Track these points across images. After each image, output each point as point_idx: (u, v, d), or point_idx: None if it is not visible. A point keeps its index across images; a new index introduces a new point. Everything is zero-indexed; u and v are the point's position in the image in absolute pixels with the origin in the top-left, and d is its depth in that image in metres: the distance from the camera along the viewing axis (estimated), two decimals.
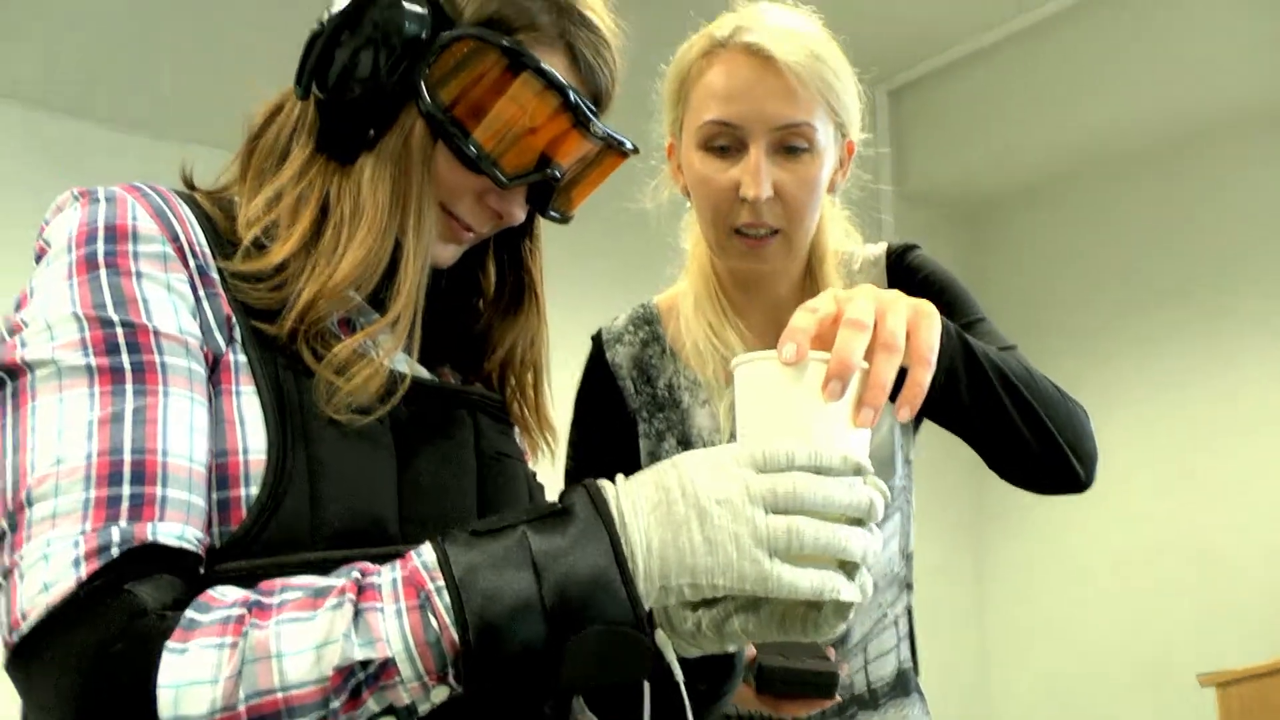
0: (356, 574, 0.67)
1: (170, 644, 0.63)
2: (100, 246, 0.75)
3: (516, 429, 0.98)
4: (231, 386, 0.77)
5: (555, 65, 0.86)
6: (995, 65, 4.34)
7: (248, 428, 0.76)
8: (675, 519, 0.67)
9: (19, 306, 0.75)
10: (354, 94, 0.84)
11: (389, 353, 0.82)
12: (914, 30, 4.19)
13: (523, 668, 0.65)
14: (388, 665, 0.64)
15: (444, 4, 0.85)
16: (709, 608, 0.78)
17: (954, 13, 4.09)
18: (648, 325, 1.44)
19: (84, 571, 0.65)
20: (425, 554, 0.67)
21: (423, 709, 0.66)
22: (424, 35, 0.83)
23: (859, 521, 0.70)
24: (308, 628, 0.64)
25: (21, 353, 0.72)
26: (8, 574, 0.67)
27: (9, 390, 0.72)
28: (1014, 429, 1.14)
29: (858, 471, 0.70)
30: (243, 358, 0.78)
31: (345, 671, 0.63)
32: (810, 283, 1.37)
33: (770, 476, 0.67)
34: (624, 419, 1.41)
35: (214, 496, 0.74)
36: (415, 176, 0.85)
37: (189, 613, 0.65)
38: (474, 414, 0.90)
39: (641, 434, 1.40)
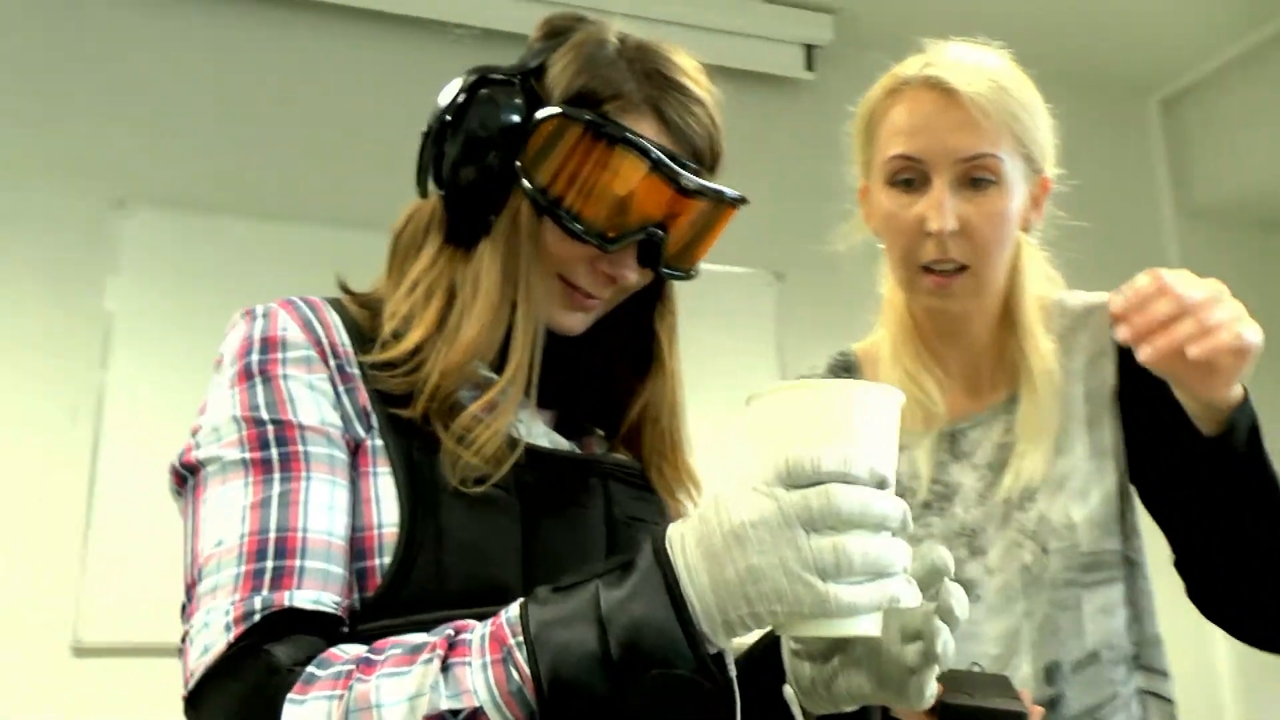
0: (450, 631, 0.73)
1: (292, 696, 0.71)
2: (255, 357, 0.87)
3: (659, 492, 1.01)
4: (369, 469, 0.86)
5: (644, 129, 0.91)
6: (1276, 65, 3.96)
7: (383, 505, 0.84)
8: (715, 550, 0.68)
9: (201, 413, 0.87)
10: (465, 185, 0.92)
11: (503, 413, 0.88)
12: (1182, 35, 3.89)
13: (595, 716, 0.68)
14: (477, 714, 0.69)
15: (536, 88, 0.93)
16: (817, 663, 0.82)
17: (1226, 12, 3.78)
18: (846, 372, 1.43)
19: (232, 635, 0.75)
20: (510, 611, 0.72)
21: None
22: (518, 122, 0.91)
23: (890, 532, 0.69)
24: (403, 681, 0.70)
25: (196, 453, 0.84)
26: (184, 639, 0.79)
27: (189, 485, 0.85)
28: (1254, 554, 1.10)
29: (882, 485, 0.69)
30: (379, 443, 0.86)
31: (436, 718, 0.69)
32: (1009, 327, 1.35)
33: (801, 491, 0.67)
34: None
35: (354, 566, 0.83)
36: (525, 251, 0.92)
37: (310, 668, 0.73)
38: (605, 481, 0.94)
39: None
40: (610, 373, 1.03)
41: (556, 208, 0.90)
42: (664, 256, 0.94)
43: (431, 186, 0.96)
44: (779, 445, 0.70)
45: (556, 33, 0.98)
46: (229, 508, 0.81)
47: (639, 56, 0.95)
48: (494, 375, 0.91)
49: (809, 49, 3.81)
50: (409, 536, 0.82)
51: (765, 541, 0.66)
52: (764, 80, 3.80)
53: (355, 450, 0.86)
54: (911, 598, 0.70)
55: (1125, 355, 1.27)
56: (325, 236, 3.03)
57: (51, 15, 3.23)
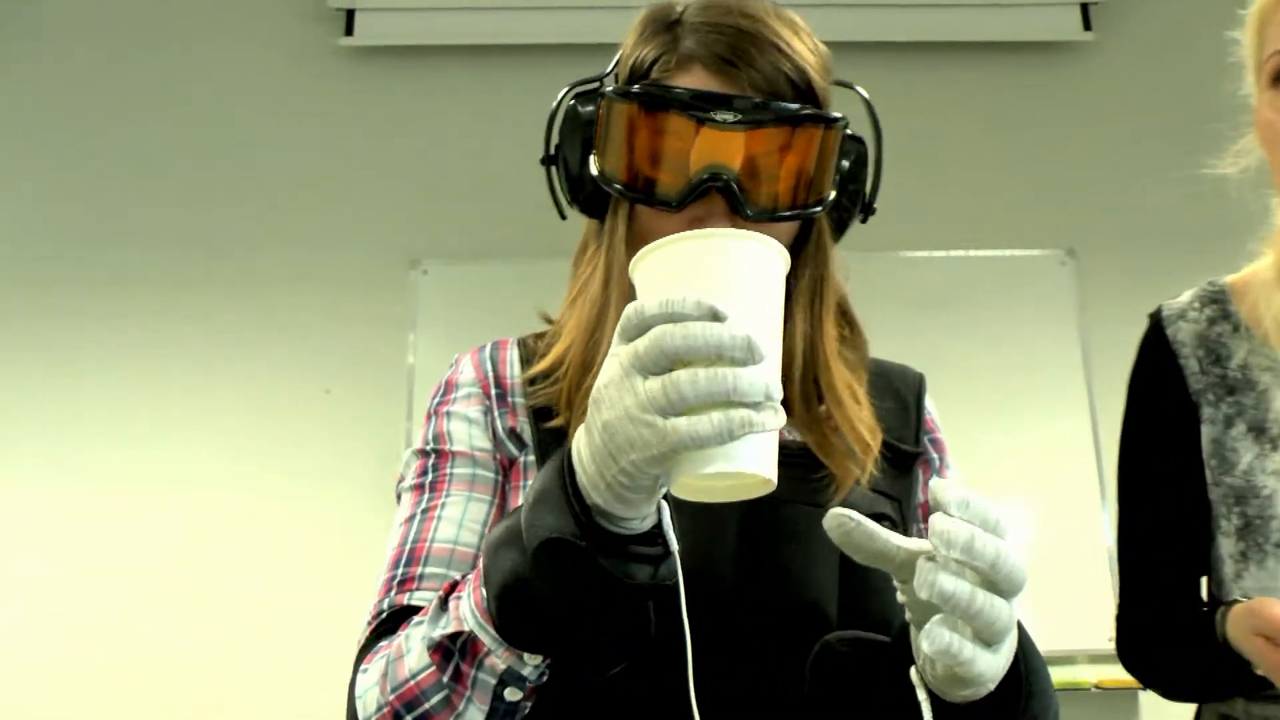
0: (459, 576, 0.81)
1: (363, 665, 0.84)
2: (436, 400, 1.01)
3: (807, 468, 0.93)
4: (520, 483, 0.94)
5: (690, 81, 0.90)
6: None
7: None
8: (588, 422, 0.68)
9: None
10: (581, 196, 0.98)
11: None
12: None
13: (521, 603, 0.71)
14: (473, 639, 0.74)
15: (605, 80, 0.97)
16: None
17: None
18: (1216, 303, 1.27)
19: (368, 630, 0.88)
20: None
21: (528, 674, 0.75)
22: (590, 119, 0.96)
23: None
24: (420, 627, 0.79)
25: (399, 483, 0.99)
26: None
27: None
28: None
29: (715, 317, 0.65)
30: (531, 458, 0.94)
31: (440, 649, 0.76)
32: None
33: (633, 340, 0.66)
34: (1184, 403, 1.23)
35: None
36: (619, 239, 0.95)
37: (381, 641, 0.84)
38: None
39: (1206, 419, 1.22)
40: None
41: (626, 186, 0.93)
42: (747, 199, 0.90)
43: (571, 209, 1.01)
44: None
45: (642, 26, 0.98)
46: (396, 524, 0.94)
47: (694, 16, 0.93)
48: None
49: (1085, 9, 3.54)
50: None
51: (612, 397, 0.66)
52: (1039, 49, 3.57)
53: (510, 466, 0.95)
54: (774, 420, 0.64)
55: None
56: None
57: (330, 94, 3.49)
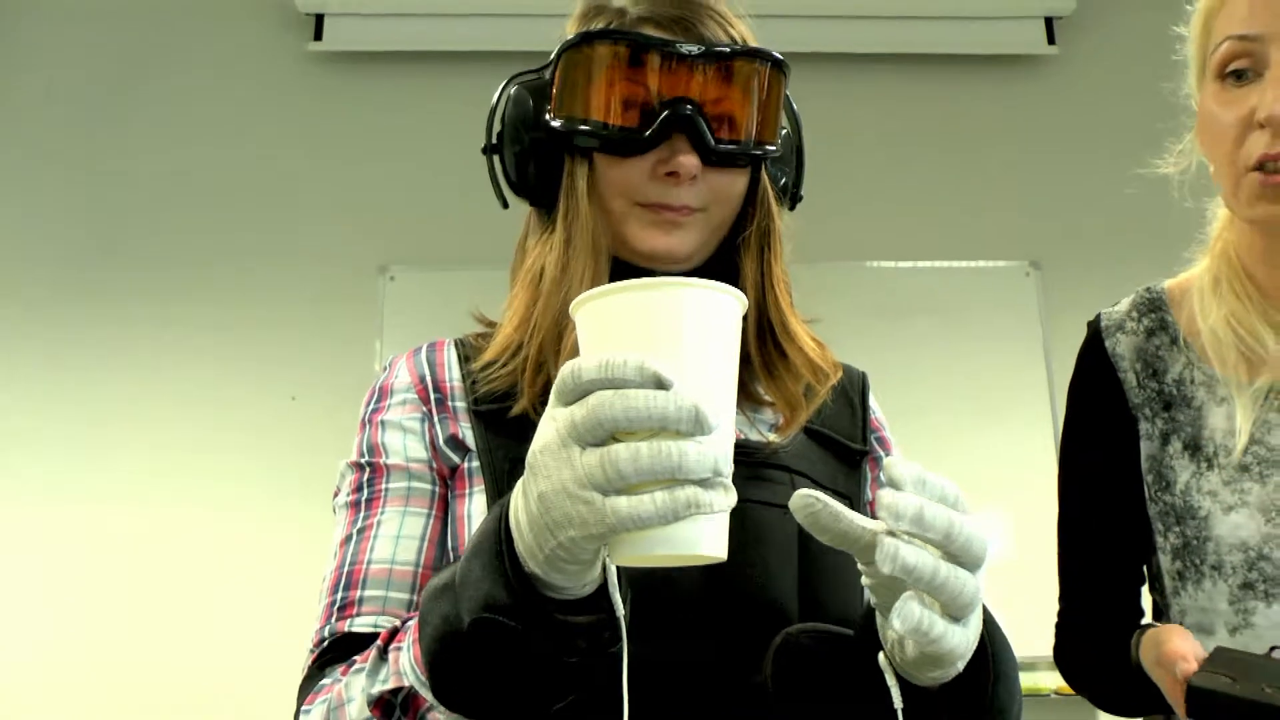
0: (398, 623, 0.79)
1: (305, 705, 0.81)
2: (369, 407, 0.98)
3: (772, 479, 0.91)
4: (465, 490, 0.90)
5: (624, 25, 0.93)
6: None
7: (473, 522, 0.88)
8: (525, 486, 0.64)
9: None
10: (527, 171, 0.97)
11: None
12: None
13: (454, 665, 0.68)
14: (413, 693, 0.72)
15: (547, 69, 0.97)
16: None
17: None
18: (1154, 312, 1.24)
19: (311, 659, 0.87)
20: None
21: None
22: (541, 96, 0.96)
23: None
24: (360, 676, 0.77)
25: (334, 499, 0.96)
26: None
27: None
28: None
29: (659, 384, 0.60)
30: (475, 464, 0.90)
31: (381, 703, 0.74)
32: None
33: (569, 406, 0.61)
34: (1123, 417, 1.22)
35: None
36: (592, 195, 0.93)
37: (324, 678, 0.81)
38: None
39: (1143, 434, 1.20)
40: None
41: (583, 133, 0.92)
42: (711, 133, 0.91)
43: (512, 198, 1.00)
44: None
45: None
46: (334, 544, 0.92)
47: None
48: None
49: (1049, 22, 3.58)
50: None
51: (549, 466, 0.61)
52: (1003, 62, 3.60)
53: (453, 474, 0.92)
54: (723, 500, 0.60)
55: None
56: None
57: (304, 98, 3.47)
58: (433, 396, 0.95)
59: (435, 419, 0.94)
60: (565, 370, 0.62)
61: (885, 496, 0.63)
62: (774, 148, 0.95)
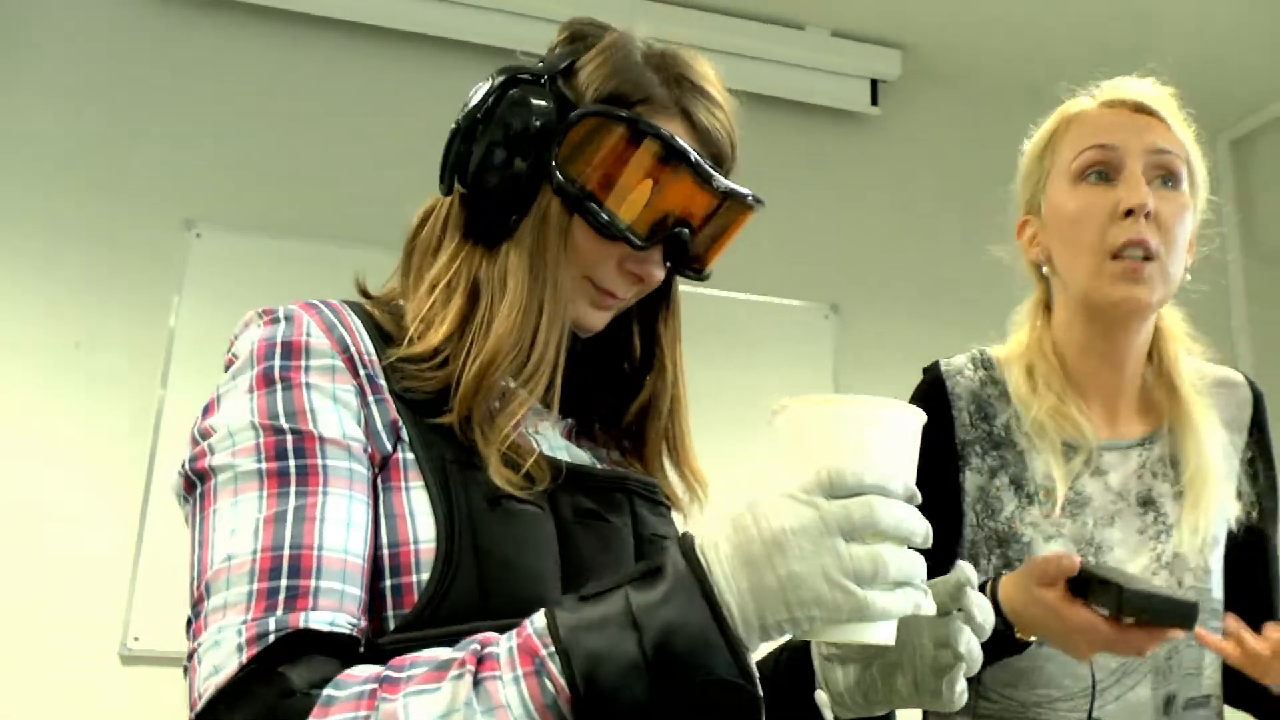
0: (476, 645, 0.71)
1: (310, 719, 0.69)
2: (277, 362, 0.84)
3: (671, 508, 1.02)
4: (400, 483, 0.83)
5: (674, 131, 0.93)
6: None
7: (417, 520, 0.82)
8: (754, 556, 0.68)
9: (207, 412, 0.84)
10: (492, 184, 0.92)
11: (523, 403, 0.89)
12: (1252, 77, 3.82)
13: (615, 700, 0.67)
14: None
15: (565, 90, 0.94)
16: (855, 668, 0.87)
17: None
18: (986, 369, 1.42)
19: (244, 657, 0.72)
20: (538, 621, 0.70)
21: None
22: (550, 121, 0.92)
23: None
24: (433, 699, 0.68)
25: (209, 459, 0.80)
26: (190, 658, 0.75)
27: (199, 492, 0.81)
28: None
29: (912, 500, 0.72)
30: (410, 455, 0.84)
31: None
32: (1157, 364, 1.36)
33: (842, 501, 0.68)
34: (948, 450, 1.37)
35: (388, 583, 0.81)
36: (553, 250, 0.93)
37: (328, 690, 0.70)
38: (631, 499, 0.94)
39: (971, 469, 1.36)
40: (616, 374, 1.05)
41: (591, 205, 0.92)
42: (688, 256, 0.97)
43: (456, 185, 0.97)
44: (814, 456, 0.71)
45: (578, 37, 1.00)
46: (241, 521, 0.77)
47: (665, 62, 0.98)
48: (513, 383, 0.91)
49: (875, 84, 3.79)
50: (447, 553, 0.81)
51: (806, 549, 0.67)
52: (829, 114, 3.78)
53: (384, 464, 0.84)
54: (930, 605, 0.72)
55: (1256, 433, 1.36)
56: (382, 259, 3.03)
57: (127, 40, 3.32)
58: (361, 371, 0.86)
59: (371, 398, 0.85)
60: (841, 470, 0.69)
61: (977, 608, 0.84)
62: (708, 269, 1.02)
